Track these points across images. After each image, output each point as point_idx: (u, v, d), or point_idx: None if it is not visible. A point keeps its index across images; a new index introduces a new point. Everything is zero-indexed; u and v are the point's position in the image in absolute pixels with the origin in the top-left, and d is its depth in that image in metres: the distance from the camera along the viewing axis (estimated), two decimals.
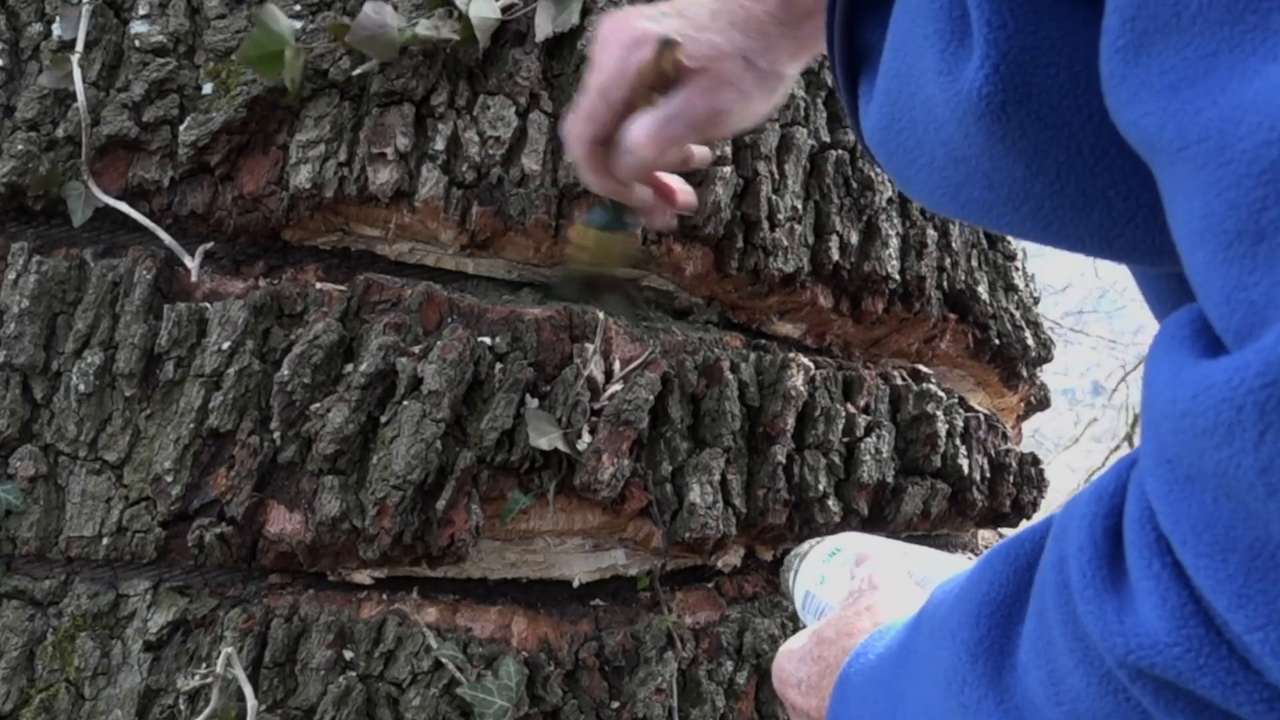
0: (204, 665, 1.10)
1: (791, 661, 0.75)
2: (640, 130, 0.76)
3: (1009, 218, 0.51)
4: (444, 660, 1.12)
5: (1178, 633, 0.41)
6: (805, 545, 0.92)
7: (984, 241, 1.52)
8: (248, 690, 1.06)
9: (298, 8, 1.20)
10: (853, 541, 0.89)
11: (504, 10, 1.20)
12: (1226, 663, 0.40)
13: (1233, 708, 0.41)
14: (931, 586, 0.77)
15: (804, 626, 0.87)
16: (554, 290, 1.21)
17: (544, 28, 1.20)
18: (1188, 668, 0.41)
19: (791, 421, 1.26)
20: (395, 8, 1.19)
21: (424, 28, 1.16)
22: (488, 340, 1.17)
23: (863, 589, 0.76)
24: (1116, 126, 0.42)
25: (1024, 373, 1.59)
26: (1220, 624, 0.40)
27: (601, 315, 1.23)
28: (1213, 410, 0.36)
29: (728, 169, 1.27)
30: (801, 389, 1.27)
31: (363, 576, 1.17)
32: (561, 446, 1.15)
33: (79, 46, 1.18)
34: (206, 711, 1.07)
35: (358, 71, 1.17)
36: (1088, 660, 0.46)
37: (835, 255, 1.34)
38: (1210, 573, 0.39)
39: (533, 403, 1.16)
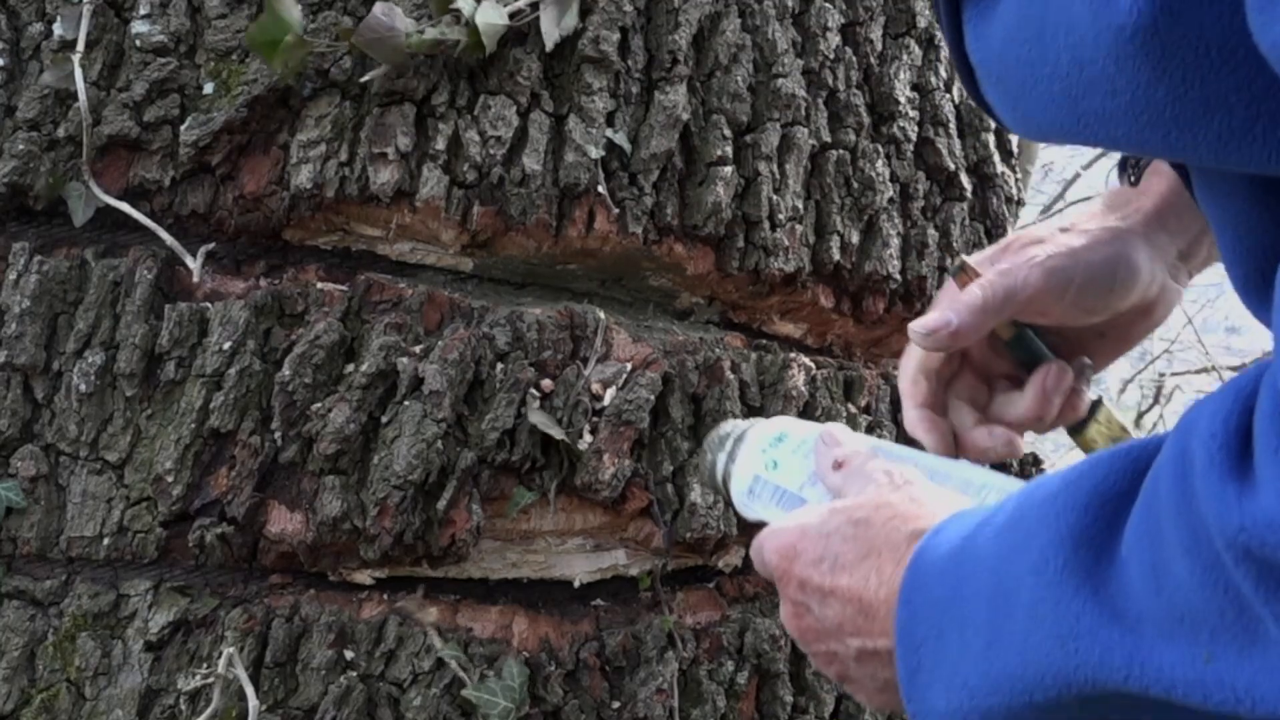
0: (205, 665, 1.10)
1: (808, 539, 0.72)
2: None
3: (1125, 128, 0.51)
4: (448, 661, 1.12)
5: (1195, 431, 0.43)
6: (727, 426, 0.85)
7: (985, 241, 1.52)
8: (249, 690, 1.06)
9: (300, 7, 1.20)
10: (797, 426, 0.83)
11: (511, 16, 1.20)
12: None
13: None
14: (949, 484, 0.76)
15: (743, 512, 0.84)
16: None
17: (551, 34, 1.20)
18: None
19: None
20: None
21: (431, 34, 1.16)
22: (488, 329, 1.17)
23: (887, 481, 0.74)
24: (1259, 46, 0.43)
25: None
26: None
27: (601, 315, 1.23)
28: None
29: (728, 169, 1.27)
30: (802, 389, 1.27)
31: (363, 576, 1.17)
32: (566, 438, 1.15)
33: (80, 46, 1.17)
34: (208, 712, 1.06)
35: (365, 78, 1.17)
36: (1195, 548, 0.47)
37: (836, 255, 1.34)
38: None
39: (534, 402, 1.16)
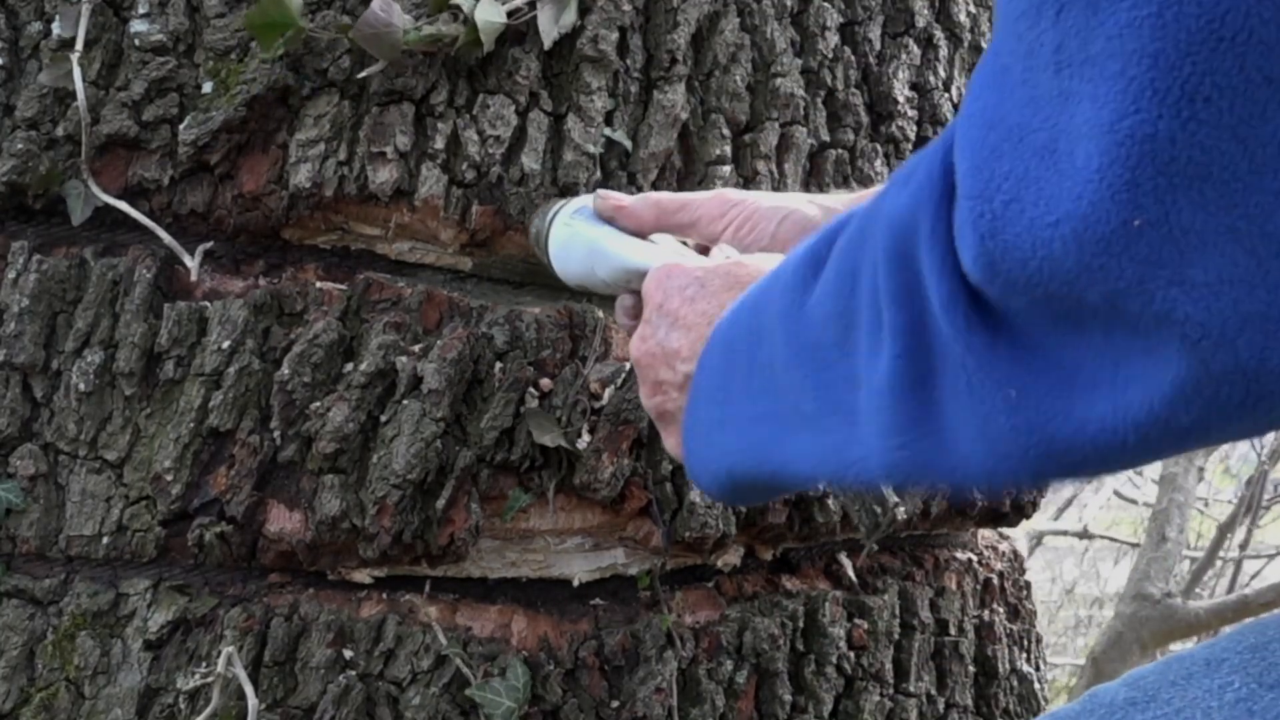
0: (204, 664, 1.10)
1: (683, 270, 0.81)
2: None
3: None
4: (455, 659, 1.12)
5: (917, 195, 0.53)
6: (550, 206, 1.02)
7: None
8: (248, 689, 1.06)
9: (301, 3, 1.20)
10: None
11: (509, 14, 1.20)
12: (941, 228, 0.52)
13: (925, 270, 0.52)
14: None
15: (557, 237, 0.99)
16: None
17: (549, 32, 1.20)
18: (911, 220, 0.53)
19: None
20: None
21: (429, 30, 1.15)
22: (487, 329, 1.17)
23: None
24: None
25: None
26: (955, 197, 0.50)
27: (600, 314, 1.23)
28: None
29: (727, 168, 1.27)
30: None
31: (362, 575, 1.17)
32: (563, 444, 1.15)
33: (79, 45, 1.17)
34: (207, 711, 1.07)
35: (363, 74, 1.17)
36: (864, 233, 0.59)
37: None
38: (970, 135, 0.50)
39: (533, 401, 1.16)
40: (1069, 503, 5.60)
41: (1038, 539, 5.26)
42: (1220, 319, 0.43)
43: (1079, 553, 6.36)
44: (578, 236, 0.96)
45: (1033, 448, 0.50)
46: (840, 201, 0.94)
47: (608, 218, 0.96)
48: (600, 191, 0.97)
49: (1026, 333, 0.50)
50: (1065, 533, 5.28)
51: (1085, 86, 0.44)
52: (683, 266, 0.81)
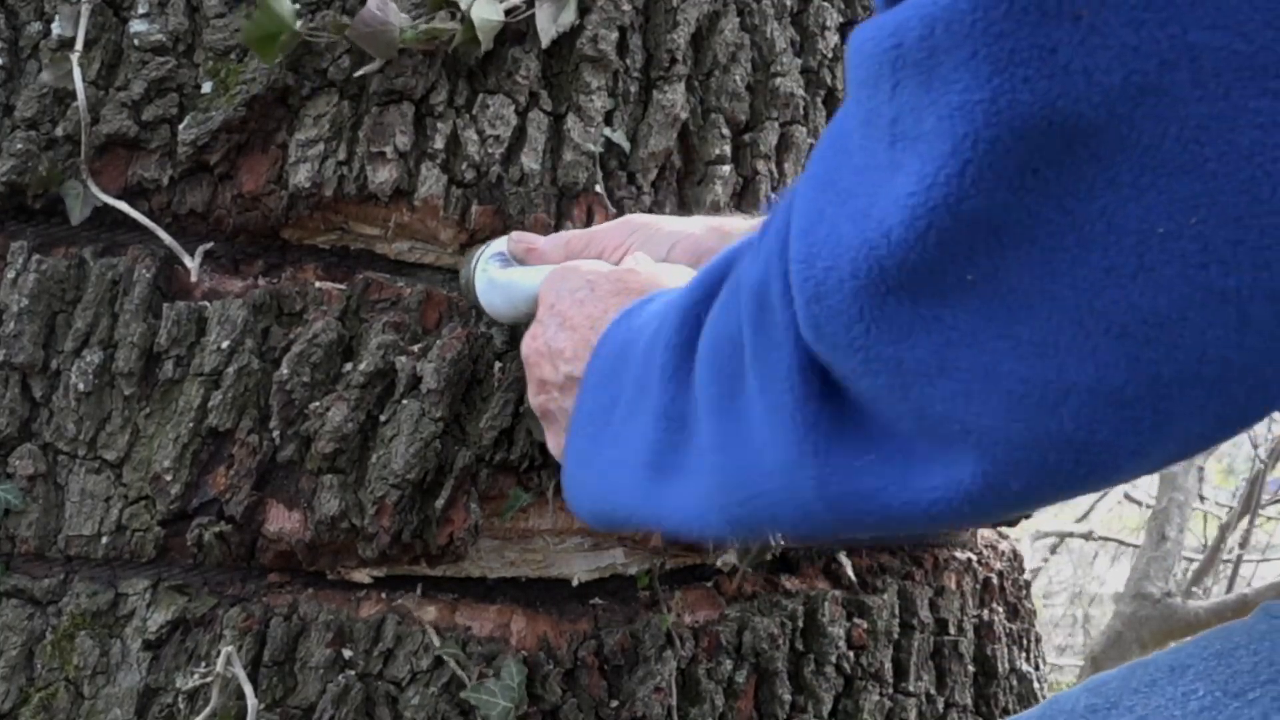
0: (203, 664, 1.10)
1: (577, 272, 0.83)
2: None
3: None
4: (447, 659, 1.12)
5: (767, 259, 0.54)
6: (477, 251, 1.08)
7: None
8: (248, 689, 1.06)
9: (296, 6, 1.20)
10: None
11: (507, 13, 1.20)
12: (779, 283, 0.53)
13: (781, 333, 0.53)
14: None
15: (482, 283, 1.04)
16: None
17: (547, 31, 1.20)
18: (762, 274, 0.54)
19: None
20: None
21: (425, 27, 1.15)
22: (486, 328, 1.17)
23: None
24: None
25: None
26: (788, 257, 0.51)
27: None
28: (866, 61, 0.46)
29: (726, 168, 1.27)
30: None
31: (362, 575, 1.17)
32: None
33: (78, 45, 1.17)
34: (206, 710, 1.07)
35: (360, 73, 1.17)
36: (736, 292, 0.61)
37: None
38: (805, 196, 0.50)
39: None
40: (1093, 506, 5.59)
41: (1059, 540, 5.26)
42: (1043, 379, 0.43)
43: (1089, 555, 6.36)
44: (495, 282, 1.02)
45: (869, 514, 0.50)
46: (739, 226, 0.95)
47: (520, 259, 0.99)
48: (514, 234, 1.02)
49: (861, 398, 0.50)
50: (1071, 534, 5.28)
51: (914, 162, 0.44)
52: (577, 269, 0.83)
